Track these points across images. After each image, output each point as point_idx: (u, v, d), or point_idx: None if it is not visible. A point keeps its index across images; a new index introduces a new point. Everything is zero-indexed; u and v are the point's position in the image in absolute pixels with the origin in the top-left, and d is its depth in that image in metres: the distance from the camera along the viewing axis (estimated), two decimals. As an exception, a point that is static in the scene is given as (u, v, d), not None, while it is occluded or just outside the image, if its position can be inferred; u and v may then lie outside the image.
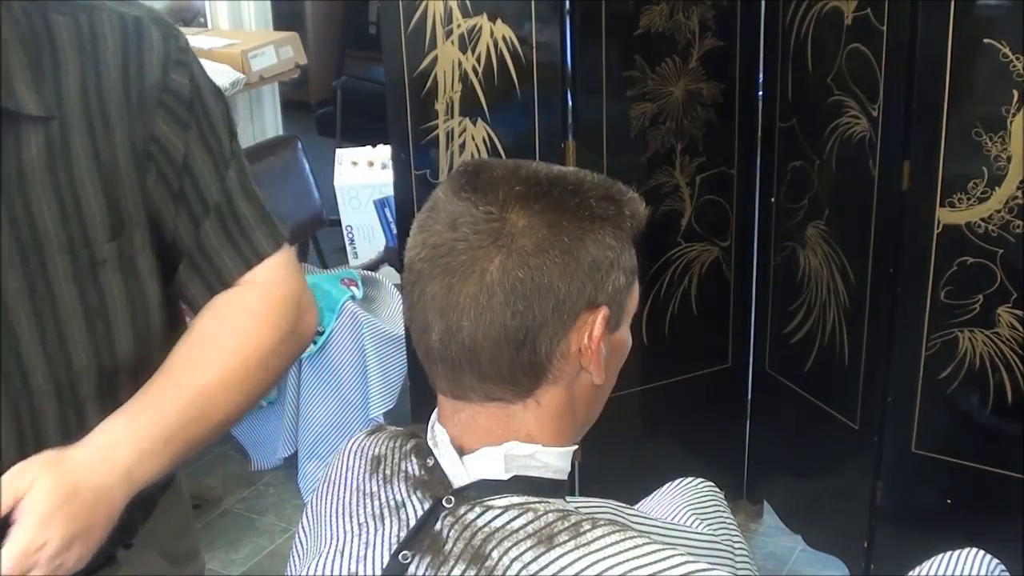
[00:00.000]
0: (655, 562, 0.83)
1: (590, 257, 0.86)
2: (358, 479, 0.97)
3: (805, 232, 2.25)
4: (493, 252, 0.84)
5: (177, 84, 1.08)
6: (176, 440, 1.04)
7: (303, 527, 1.05)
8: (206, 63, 3.31)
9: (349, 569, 0.91)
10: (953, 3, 1.81)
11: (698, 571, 0.83)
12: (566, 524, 0.85)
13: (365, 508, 0.94)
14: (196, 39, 3.11)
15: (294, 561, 1.06)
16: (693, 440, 2.53)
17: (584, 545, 0.84)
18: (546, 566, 0.83)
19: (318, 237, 3.47)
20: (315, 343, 2.74)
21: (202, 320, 1.11)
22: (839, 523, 2.33)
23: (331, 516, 0.97)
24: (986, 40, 1.80)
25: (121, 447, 1.00)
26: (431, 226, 0.88)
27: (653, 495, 1.45)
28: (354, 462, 0.99)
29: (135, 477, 1.01)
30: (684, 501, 1.39)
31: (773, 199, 2.36)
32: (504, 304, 0.84)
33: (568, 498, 0.94)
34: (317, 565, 0.94)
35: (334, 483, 0.99)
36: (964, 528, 2.00)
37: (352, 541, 0.92)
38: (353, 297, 2.78)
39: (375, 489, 0.95)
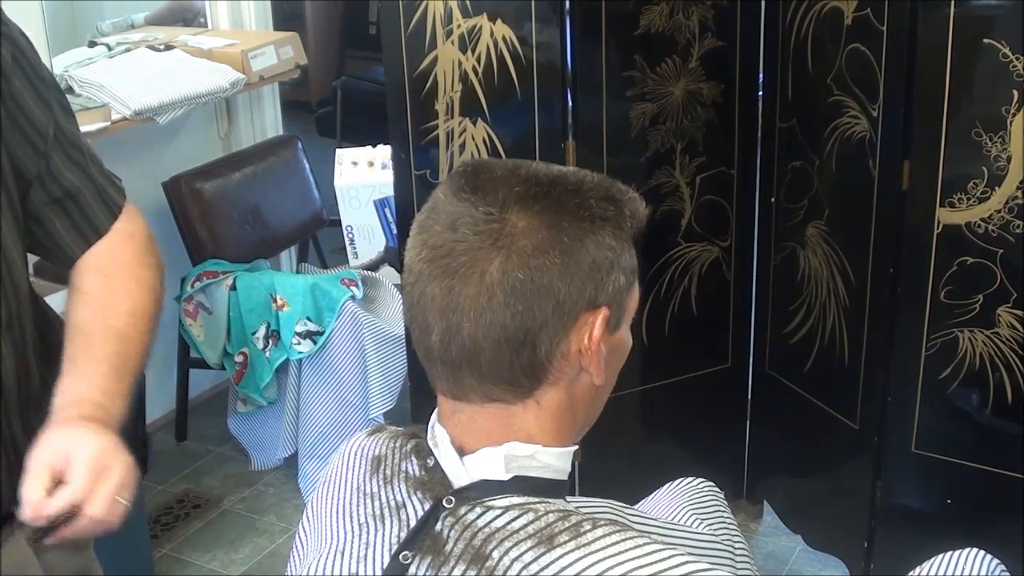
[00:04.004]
0: (656, 562, 0.83)
1: (590, 258, 0.86)
2: (359, 479, 0.97)
3: (805, 232, 2.25)
4: (493, 253, 0.84)
5: None
6: (124, 376, 1.20)
7: (303, 527, 1.05)
8: (206, 63, 3.30)
9: (350, 569, 0.91)
10: (953, 3, 1.81)
11: (699, 571, 0.83)
12: (567, 524, 0.85)
13: (365, 508, 0.94)
14: (196, 39, 3.11)
15: (294, 561, 1.06)
16: (693, 440, 2.53)
17: (585, 545, 0.84)
18: (547, 566, 0.83)
19: (318, 237, 3.47)
20: (315, 343, 2.74)
21: (92, 275, 1.26)
22: (839, 523, 2.33)
23: (331, 516, 0.97)
24: (986, 40, 1.80)
25: (106, 399, 1.15)
26: (431, 227, 0.88)
27: (653, 495, 1.45)
28: (355, 462, 0.99)
29: (121, 420, 1.16)
30: (684, 501, 1.39)
31: (773, 199, 2.36)
32: (504, 305, 0.84)
33: (568, 498, 0.94)
34: (318, 565, 0.94)
35: (334, 483, 0.99)
36: (964, 528, 2.00)
37: (352, 542, 0.92)
38: (353, 297, 2.78)
39: (375, 489, 0.95)
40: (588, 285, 0.86)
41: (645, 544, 0.85)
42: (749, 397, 2.56)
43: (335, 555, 0.93)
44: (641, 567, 0.82)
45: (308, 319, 2.74)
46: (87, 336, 1.21)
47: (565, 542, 0.84)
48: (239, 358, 2.88)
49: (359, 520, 0.94)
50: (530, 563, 0.83)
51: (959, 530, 2.02)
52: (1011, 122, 1.81)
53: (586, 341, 0.88)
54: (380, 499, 0.94)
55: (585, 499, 1.04)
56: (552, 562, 0.83)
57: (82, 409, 1.14)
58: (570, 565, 0.82)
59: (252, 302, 2.82)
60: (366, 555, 0.91)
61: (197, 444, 3.15)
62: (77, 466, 1.07)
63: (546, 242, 0.85)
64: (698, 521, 1.34)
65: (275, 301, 2.78)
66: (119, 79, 2.75)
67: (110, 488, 1.08)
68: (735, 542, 1.32)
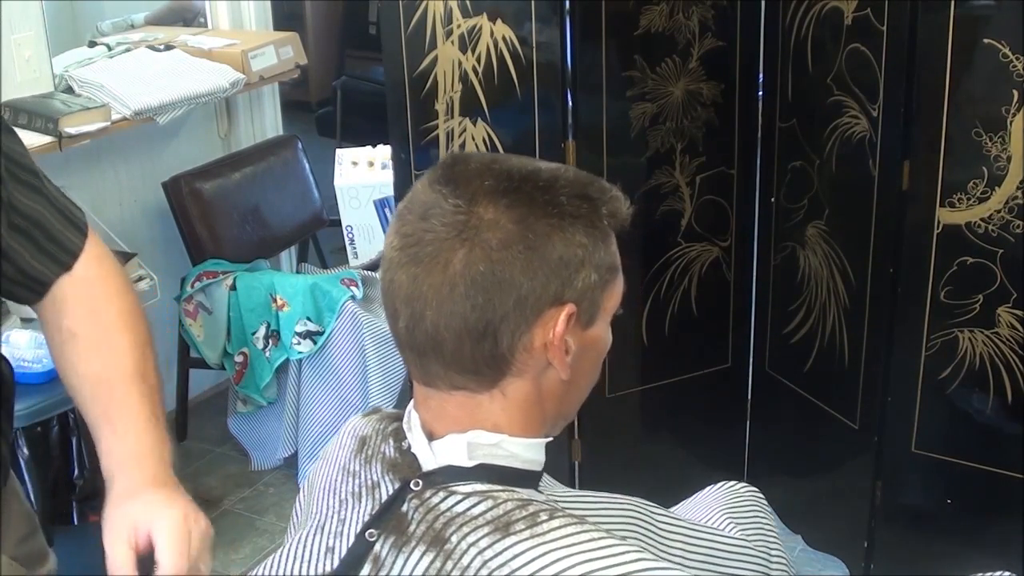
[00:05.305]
0: (605, 556, 0.84)
1: (557, 254, 0.87)
2: (346, 458, 1.00)
3: (805, 232, 2.25)
4: (458, 245, 0.86)
5: None
6: (160, 416, 1.16)
7: (299, 501, 1.10)
8: (206, 63, 3.30)
9: (327, 544, 0.93)
10: (953, 3, 1.81)
11: (647, 569, 0.84)
12: (524, 513, 0.87)
13: (346, 486, 0.97)
14: (196, 39, 3.11)
15: (290, 534, 1.08)
16: (693, 440, 2.53)
17: (539, 535, 0.86)
18: (500, 552, 0.85)
19: (318, 237, 3.47)
20: (315, 343, 2.74)
21: (81, 315, 1.18)
22: (839, 523, 2.33)
23: (321, 492, 1.00)
24: (986, 40, 1.80)
25: (157, 449, 1.12)
26: (405, 216, 0.90)
27: (693, 497, 1.44)
28: (346, 442, 1.02)
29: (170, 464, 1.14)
30: (721, 504, 1.38)
31: (773, 199, 2.36)
32: (464, 296, 0.86)
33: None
34: (302, 539, 0.96)
35: (328, 461, 1.02)
36: (964, 528, 2.00)
37: (332, 518, 0.95)
38: (353, 297, 2.78)
39: (357, 468, 0.97)
40: (554, 281, 0.87)
41: (601, 539, 0.86)
42: (749, 397, 2.56)
43: (315, 530, 0.96)
44: (588, 560, 0.84)
45: (308, 319, 2.74)
46: (109, 386, 1.15)
47: (520, 530, 0.86)
48: (239, 358, 2.88)
49: (340, 497, 0.96)
50: (485, 549, 0.85)
51: (959, 530, 2.02)
52: (1011, 122, 1.81)
53: (550, 336, 0.88)
54: (360, 478, 0.96)
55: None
56: (506, 548, 0.85)
57: (144, 471, 1.10)
58: (523, 553, 0.84)
59: (252, 302, 2.82)
60: (341, 531, 0.93)
61: (197, 444, 3.15)
62: (165, 550, 1.03)
63: (511, 236, 0.86)
64: (732, 525, 1.33)
65: (275, 301, 2.78)
66: (119, 79, 2.75)
67: (196, 563, 1.05)
68: (771, 549, 1.30)
